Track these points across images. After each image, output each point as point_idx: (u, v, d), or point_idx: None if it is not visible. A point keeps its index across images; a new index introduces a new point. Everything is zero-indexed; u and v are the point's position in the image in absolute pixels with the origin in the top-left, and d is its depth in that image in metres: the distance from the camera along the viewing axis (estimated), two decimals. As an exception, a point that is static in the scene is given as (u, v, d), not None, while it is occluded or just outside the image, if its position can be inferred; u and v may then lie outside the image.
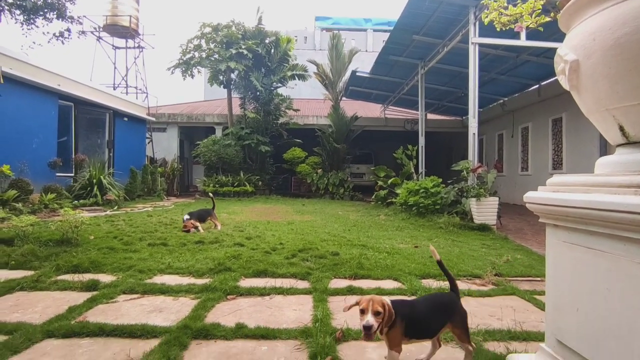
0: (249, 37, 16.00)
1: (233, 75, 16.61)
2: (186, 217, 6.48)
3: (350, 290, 3.37)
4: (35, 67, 10.36)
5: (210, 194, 8.44)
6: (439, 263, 2.20)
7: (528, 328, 2.63)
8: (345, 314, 2.85)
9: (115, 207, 10.13)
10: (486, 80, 12.97)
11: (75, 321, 2.62)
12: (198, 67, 16.79)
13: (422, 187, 8.71)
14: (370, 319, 1.79)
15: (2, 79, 8.88)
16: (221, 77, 16.46)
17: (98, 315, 2.77)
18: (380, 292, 3.38)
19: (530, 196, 1.80)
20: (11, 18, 11.05)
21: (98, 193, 10.44)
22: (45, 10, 11.45)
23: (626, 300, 1.27)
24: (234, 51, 15.15)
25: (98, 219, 7.60)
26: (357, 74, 14.66)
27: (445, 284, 3.59)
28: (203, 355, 2.21)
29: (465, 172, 8.26)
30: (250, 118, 16.16)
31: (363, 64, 18.54)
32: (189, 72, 16.58)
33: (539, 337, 2.42)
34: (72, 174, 11.52)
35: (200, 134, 19.63)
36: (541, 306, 3.07)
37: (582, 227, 1.50)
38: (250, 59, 15.52)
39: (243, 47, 15.28)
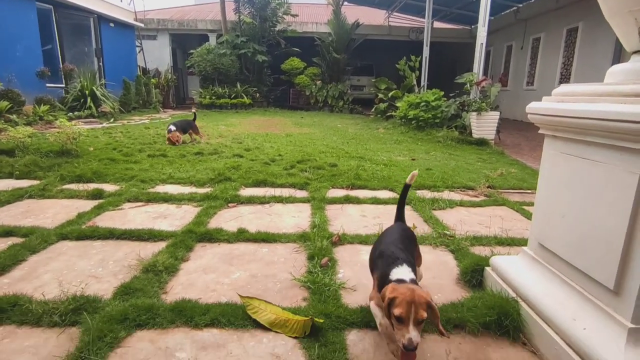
0: None
1: (224, -25, 15.13)
2: (172, 127, 6.13)
3: (348, 199, 3.50)
4: (4, -38, 9.34)
5: (193, 109, 7.97)
6: (406, 187, 2.00)
7: (513, 235, 2.79)
8: (342, 220, 3.00)
9: (112, 120, 10.01)
10: (501, -17, 11.88)
11: (86, 226, 2.76)
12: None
13: (423, 100, 8.52)
14: (414, 335, 1.24)
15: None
16: (211, -24, 15.00)
17: (106, 221, 2.90)
18: (376, 201, 3.51)
19: (533, 107, 1.77)
20: None
21: (92, 105, 10.21)
22: None
23: (614, 207, 1.32)
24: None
25: (95, 131, 7.55)
26: (361, -27, 13.36)
27: (439, 195, 3.72)
28: (208, 256, 2.37)
29: (468, 85, 8.01)
30: (245, 24, 15.11)
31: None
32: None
33: (522, 242, 2.58)
34: (63, 85, 11.13)
35: (193, 42, 18.52)
36: (528, 216, 3.22)
37: (581, 138, 1.49)
38: (243, -45, 13.98)
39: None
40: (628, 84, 1.34)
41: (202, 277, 2.11)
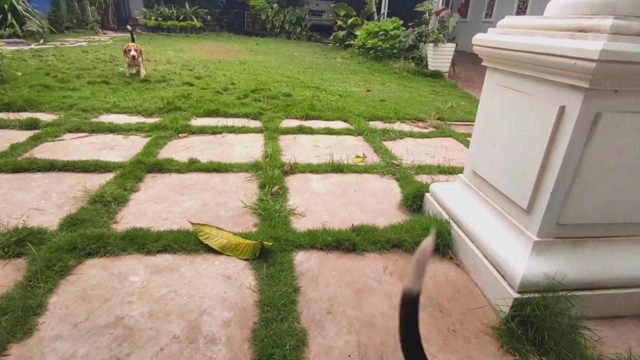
0: None
1: None
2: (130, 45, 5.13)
3: (301, 130, 3.51)
4: None
5: (129, 26, 6.59)
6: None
7: (455, 164, 2.98)
8: (294, 150, 3.05)
9: (41, 41, 8.92)
10: None
11: (22, 157, 2.60)
12: None
13: (382, 29, 8.29)
14: None
15: None
16: None
17: (45, 152, 2.75)
18: (329, 132, 3.56)
19: (478, 38, 1.80)
20: None
21: (14, 22, 8.94)
22: None
23: (535, 136, 1.44)
24: None
25: (22, 53, 6.76)
26: None
27: (390, 126, 3.82)
28: (159, 187, 2.36)
29: (427, 15, 7.84)
30: None
31: None
32: None
33: (461, 171, 2.77)
34: (-25, -4, 9.58)
35: (130, -49, 16.25)
36: (471, 146, 3.43)
37: (517, 71, 1.57)
38: None
39: None
40: (561, 18, 1.40)
41: (154, 207, 2.12)
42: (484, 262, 1.59)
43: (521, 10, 11.79)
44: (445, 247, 1.86)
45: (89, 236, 1.74)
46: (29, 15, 9.36)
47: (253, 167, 2.65)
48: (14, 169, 2.43)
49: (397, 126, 3.87)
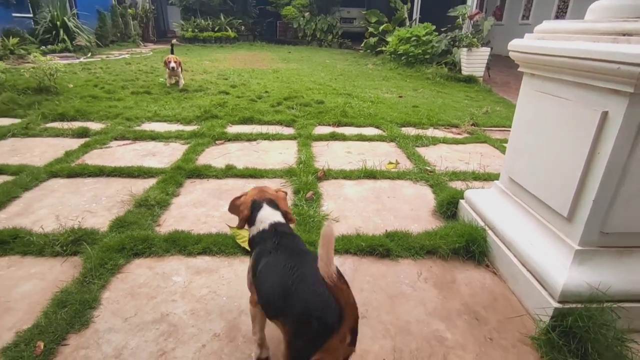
0: None
1: None
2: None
3: (334, 136, 3.56)
4: None
5: (173, 41, 6.91)
6: None
7: (490, 171, 2.93)
8: (327, 157, 3.09)
9: (89, 54, 9.52)
10: None
11: (75, 164, 2.79)
12: None
13: (414, 35, 8.24)
14: None
15: None
16: None
17: (95, 158, 2.94)
18: (362, 138, 3.58)
19: (514, 44, 1.78)
20: None
21: (66, 38, 9.61)
22: None
23: (576, 142, 1.41)
24: None
25: (73, 67, 7.23)
26: None
27: (423, 132, 3.79)
28: (198, 192, 2.47)
29: (460, 19, 7.73)
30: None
31: None
32: None
33: (497, 177, 2.70)
34: (30, 15, 10.36)
35: (169, -33, 17.03)
36: (507, 152, 3.35)
37: (556, 76, 1.54)
38: None
39: None
40: (603, 22, 1.37)
41: (193, 211, 2.23)
42: (522, 271, 1.56)
43: (561, 12, 11.36)
44: (480, 255, 1.84)
45: (136, 238, 1.86)
46: (78, 31, 10.02)
47: (287, 173, 2.71)
48: (69, 174, 2.62)
49: (430, 132, 3.84)
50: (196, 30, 13.78)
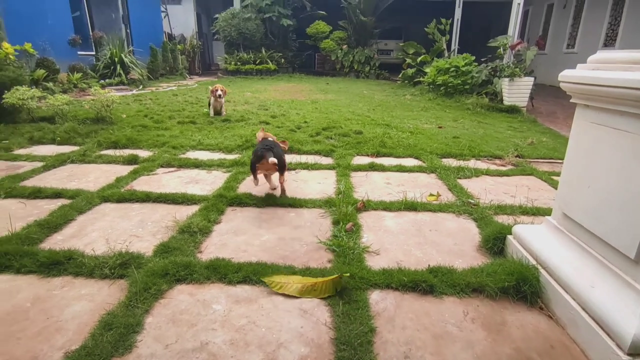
0: None
1: None
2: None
3: (372, 167, 3.54)
4: None
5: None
6: None
7: (539, 205, 2.78)
8: (366, 187, 3.07)
9: (141, 87, 10.23)
10: None
11: (124, 189, 2.94)
12: None
13: (453, 66, 8.22)
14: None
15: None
16: None
17: (142, 185, 3.08)
18: (401, 169, 3.54)
19: (566, 75, 1.72)
20: None
21: (122, 72, 10.43)
22: None
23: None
24: None
25: (126, 98, 7.77)
26: None
27: (465, 164, 3.70)
28: (238, 219, 2.51)
29: (502, 50, 7.65)
30: (270, -14, 14.72)
31: None
32: None
33: (547, 212, 2.57)
34: (93, 53, 11.38)
35: (217, 6, 18.26)
36: (556, 186, 3.15)
37: (614, 108, 1.46)
38: None
39: None
40: (667, 51, 1.30)
41: (234, 239, 2.26)
42: (583, 316, 1.43)
43: (610, 40, 10.98)
44: (533, 296, 1.72)
45: (178, 264, 1.89)
46: (133, 66, 10.85)
47: (326, 203, 2.71)
48: (118, 199, 2.76)
49: (472, 164, 3.74)
50: (238, 63, 14.49)
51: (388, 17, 16.51)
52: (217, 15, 15.24)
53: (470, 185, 3.20)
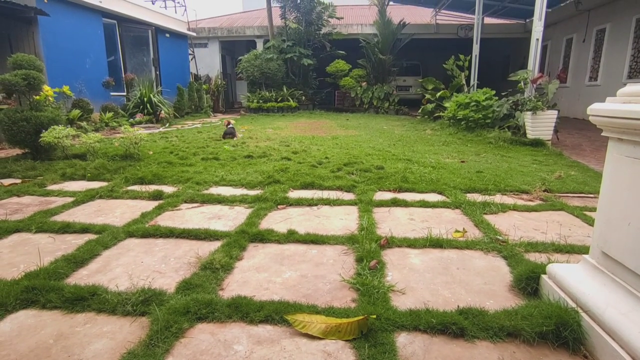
0: None
1: (272, -19, 15.55)
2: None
3: (395, 202, 3.49)
4: (76, -17, 10.26)
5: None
6: None
7: (573, 242, 2.65)
8: (389, 223, 3.01)
9: (167, 125, 10.65)
10: (559, -27, 11.16)
11: (149, 225, 2.98)
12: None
13: (473, 100, 8.24)
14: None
15: (47, -3, 8.94)
16: (259, -16, 15.46)
17: (166, 220, 3.12)
18: (424, 204, 3.47)
19: (595, 108, 1.68)
20: None
21: (150, 110, 10.96)
22: None
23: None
24: (271, -47, 13.95)
25: (154, 136, 8.07)
26: (407, -28, 13.14)
27: (490, 199, 3.60)
28: (260, 256, 2.48)
29: (522, 83, 7.64)
30: (291, 29, 15.44)
31: (414, -40, 16.49)
32: (225, -21, 15.69)
33: (583, 250, 2.45)
34: (124, 93, 12.02)
35: (241, 49, 19.21)
36: (590, 222, 3.04)
37: (650, 141, 1.41)
38: (289, -39, 14.30)
39: (281, -54, 14.00)
40: None
41: (256, 276, 2.22)
42: (633, 367, 1.31)
43: (634, 73, 10.84)
44: (575, 342, 1.59)
45: (200, 301, 1.86)
46: (160, 105, 11.37)
47: (349, 240, 2.66)
48: (143, 234, 2.79)
49: (498, 199, 3.64)
50: (260, 101, 14.98)
51: (406, 55, 16.95)
52: (240, 57, 15.98)
53: (497, 221, 3.09)
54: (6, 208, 3.46)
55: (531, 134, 7.01)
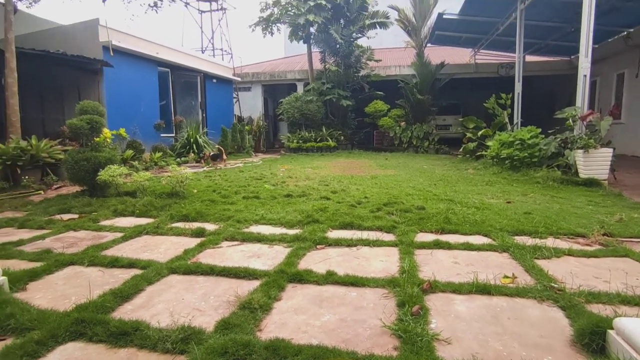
0: (327, -14, 15.47)
1: (312, 29, 16.39)
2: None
3: (437, 244, 3.36)
4: (137, 38, 11.38)
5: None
6: None
7: (642, 292, 2.39)
8: (432, 266, 2.89)
9: (211, 164, 11.13)
10: (605, 10, 10.90)
11: (191, 262, 3.05)
12: (278, 23, 16.87)
13: (518, 138, 7.99)
14: None
15: (112, 52, 9.95)
16: (300, 33, 16.36)
17: (207, 257, 3.18)
18: (469, 247, 3.31)
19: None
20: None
21: (196, 150, 11.56)
22: (141, -19, 12.43)
23: None
24: (311, 3, 14.83)
25: (198, 175, 8.44)
26: (444, 16, 13.40)
27: (541, 242, 3.38)
28: (299, 297, 2.44)
29: (571, 121, 7.34)
30: (330, 72, 16.03)
31: (451, 4, 16.74)
32: (269, 29, 16.79)
33: (655, 302, 2.20)
34: (173, 134, 12.83)
35: (282, 91, 20.10)
36: (660, 270, 2.75)
37: None
38: (329, 10, 15.10)
39: (321, -3, 14.88)
40: None
41: (294, 318, 2.17)
42: None
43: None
44: (654, 412, 1.39)
45: (238, 342, 1.84)
46: (206, 145, 11.98)
47: (390, 283, 2.56)
48: (185, 271, 2.85)
49: (551, 242, 3.40)
50: (300, 141, 15.38)
51: (445, 94, 16.94)
52: (281, 100, 16.69)
53: (551, 267, 2.87)
54: (64, 242, 3.68)
55: (584, 173, 6.62)
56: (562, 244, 3.40)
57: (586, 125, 7.12)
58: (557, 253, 3.13)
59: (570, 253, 3.15)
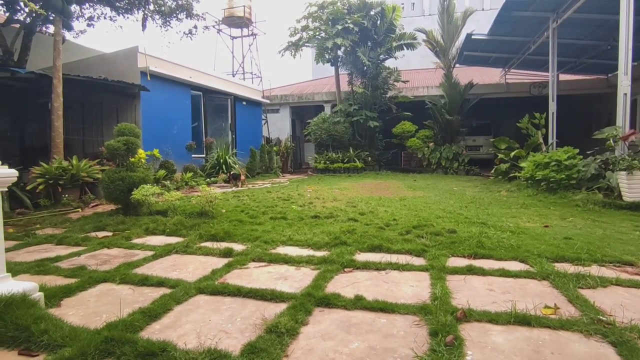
0: (354, 10, 15.77)
1: (340, 52, 16.68)
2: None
3: (471, 270, 3.20)
4: (172, 64, 11.91)
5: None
6: None
7: None
8: (465, 293, 2.75)
9: (240, 184, 11.31)
10: (643, 27, 10.54)
11: (218, 282, 3.05)
12: (306, 46, 17.26)
13: (554, 160, 7.67)
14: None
15: (149, 77, 10.46)
16: (327, 55, 16.67)
17: (235, 278, 3.17)
18: (504, 274, 3.14)
19: None
20: (152, 22, 12.93)
21: (225, 171, 11.81)
22: (177, 11, 13.07)
23: None
24: (339, 27, 15.14)
25: (227, 195, 8.57)
26: (473, 37, 13.32)
27: (585, 270, 3.16)
28: (326, 322, 2.37)
29: (611, 141, 7.00)
30: (357, 93, 16.15)
31: (479, 25, 16.71)
32: (298, 52, 17.20)
33: None
34: (204, 155, 13.18)
35: (310, 113, 20.40)
36: None
37: None
38: (356, 33, 15.35)
39: (349, 21, 15.14)
40: None
41: (321, 344, 2.11)
42: None
43: None
44: None
45: (264, 368, 1.79)
46: (234, 166, 12.21)
47: (421, 310, 2.45)
48: (212, 291, 2.85)
49: (595, 270, 3.17)
50: (327, 162, 15.42)
51: (475, 115, 16.67)
52: (309, 121, 16.90)
53: (597, 297, 2.67)
54: (97, 259, 3.79)
55: (628, 196, 6.24)
56: (608, 272, 3.17)
57: (628, 145, 6.76)
58: (603, 282, 2.92)
59: (617, 283, 2.93)
